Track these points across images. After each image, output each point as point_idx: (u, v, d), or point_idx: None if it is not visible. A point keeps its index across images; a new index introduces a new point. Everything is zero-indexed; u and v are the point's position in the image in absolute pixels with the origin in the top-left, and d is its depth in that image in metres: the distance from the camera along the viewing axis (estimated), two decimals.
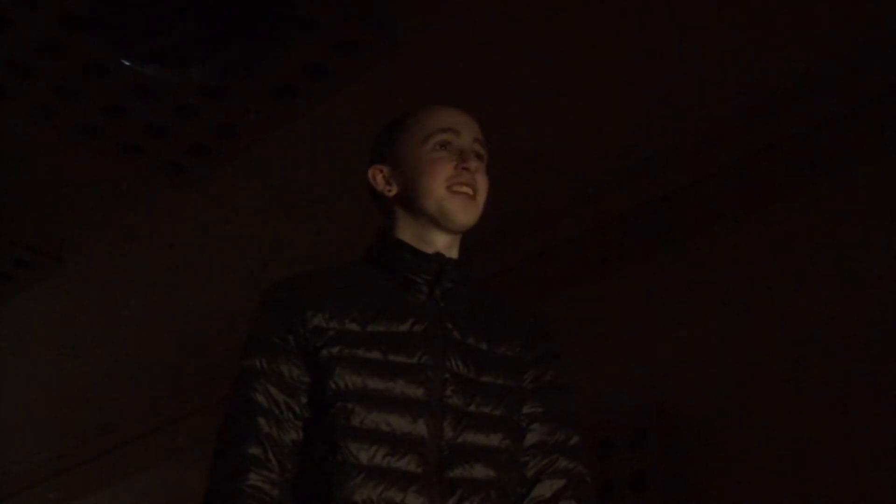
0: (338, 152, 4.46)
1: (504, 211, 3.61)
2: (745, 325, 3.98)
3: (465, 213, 2.08)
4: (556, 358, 2.17)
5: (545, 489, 2.06)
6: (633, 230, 4.33)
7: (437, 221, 2.08)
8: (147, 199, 5.02)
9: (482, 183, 2.11)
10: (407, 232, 2.12)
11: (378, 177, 2.18)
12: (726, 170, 4.03)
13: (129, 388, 6.16)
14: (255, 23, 3.97)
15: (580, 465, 2.10)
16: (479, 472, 1.96)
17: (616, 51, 3.83)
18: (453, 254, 2.13)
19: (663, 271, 4.25)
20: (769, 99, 3.91)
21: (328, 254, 4.87)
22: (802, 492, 3.65)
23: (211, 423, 5.91)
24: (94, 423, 6.36)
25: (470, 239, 2.19)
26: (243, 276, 5.34)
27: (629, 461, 3.93)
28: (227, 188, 4.87)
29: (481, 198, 2.11)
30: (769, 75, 3.88)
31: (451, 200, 2.07)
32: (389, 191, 2.15)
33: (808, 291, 3.84)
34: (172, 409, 6.06)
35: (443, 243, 2.10)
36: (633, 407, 3.96)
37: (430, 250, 2.09)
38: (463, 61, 3.86)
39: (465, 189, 2.08)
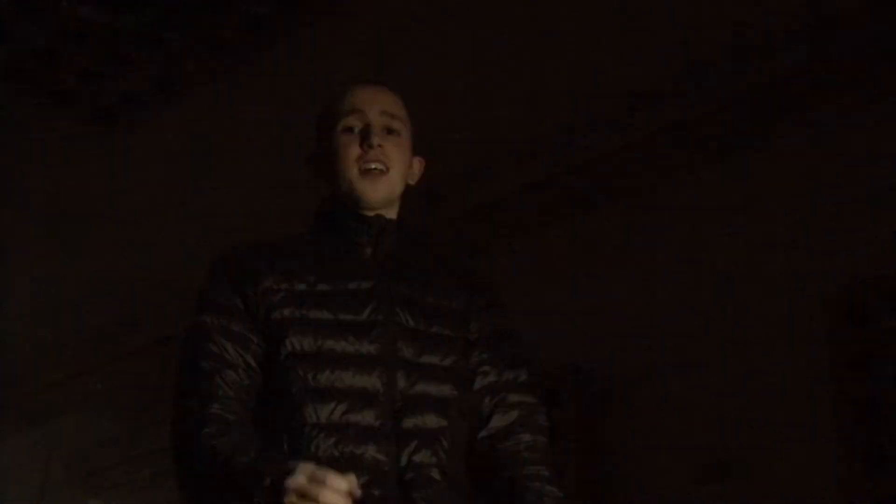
0: (272, 104, 4.50)
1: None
2: (654, 286, 4.10)
3: (376, 190, 2.14)
4: (499, 306, 2.24)
5: (498, 421, 2.13)
6: (548, 196, 4.43)
7: (355, 202, 2.14)
8: (79, 146, 5.01)
9: (395, 153, 2.16)
10: (342, 203, 2.19)
11: (311, 160, 2.25)
12: (647, 137, 4.14)
13: (48, 333, 6.14)
14: None
15: (530, 396, 2.17)
16: (431, 421, 2.02)
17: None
18: (392, 215, 2.19)
19: (577, 235, 4.35)
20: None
21: (259, 203, 4.96)
22: (709, 443, 3.79)
23: (129, 370, 5.91)
24: (8, 371, 6.33)
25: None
26: (173, 226, 5.37)
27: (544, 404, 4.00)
28: (159, 137, 4.89)
29: (397, 167, 2.16)
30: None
31: (361, 181, 2.12)
32: (318, 170, 2.21)
33: (717, 254, 3.97)
34: (91, 355, 6.05)
35: (374, 211, 2.16)
36: (547, 366, 4.05)
37: (368, 214, 2.16)
38: (401, 23, 3.89)
39: (373, 166, 2.13)
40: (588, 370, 4.04)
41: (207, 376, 2.00)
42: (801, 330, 3.70)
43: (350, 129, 2.16)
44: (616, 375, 4.09)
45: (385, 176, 2.14)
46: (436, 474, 2.01)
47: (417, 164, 2.26)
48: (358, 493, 1.84)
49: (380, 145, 2.14)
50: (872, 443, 3.49)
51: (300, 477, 1.81)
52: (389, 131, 2.17)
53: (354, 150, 2.14)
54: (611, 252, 4.24)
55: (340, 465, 1.92)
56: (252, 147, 4.75)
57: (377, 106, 2.18)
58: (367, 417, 1.98)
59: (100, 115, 4.86)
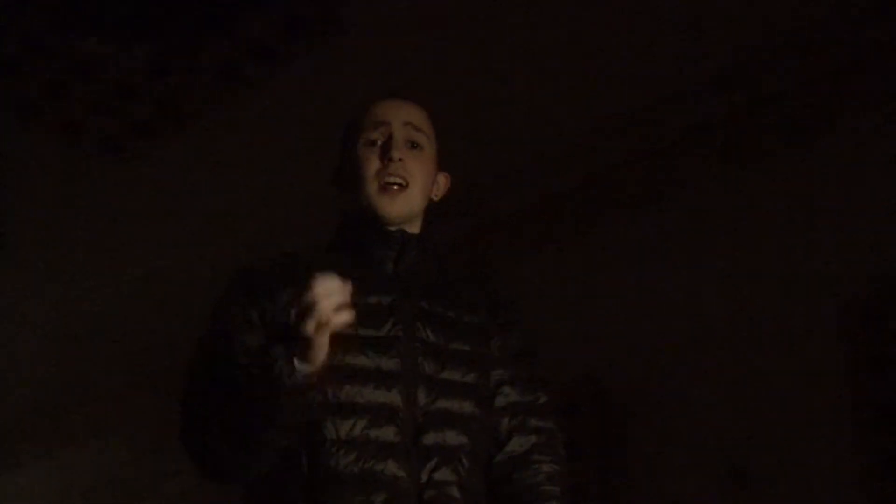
0: (282, 132, 4.51)
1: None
2: (669, 295, 4.12)
3: (395, 205, 2.12)
4: (521, 324, 2.23)
5: (516, 446, 2.12)
6: (568, 208, 4.45)
7: (376, 217, 2.13)
8: (88, 176, 5.01)
9: (416, 168, 2.14)
10: (364, 217, 2.17)
11: (335, 175, 2.24)
12: (670, 143, 4.15)
13: (65, 364, 6.15)
14: (201, 0, 4.02)
15: (550, 421, 2.16)
16: (452, 438, 2.01)
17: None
18: (415, 229, 2.18)
19: (595, 247, 4.38)
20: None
21: (271, 232, 4.97)
22: (729, 450, 3.80)
23: (140, 401, 5.91)
24: (27, 399, 6.34)
25: None
26: (185, 255, 5.38)
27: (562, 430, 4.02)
28: (169, 167, 4.90)
29: (418, 182, 2.14)
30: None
31: (380, 197, 2.11)
32: (343, 186, 2.21)
33: (733, 260, 3.99)
34: (108, 385, 6.06)
35: (396, 226, 2.15)
36: (566, 377, 4.06)
37: (391, 228, 2.14)
38: (409, 41, 3.90)
39: (393, 180, 2.12)
40: (606, 382, 4.05)
41: (215, 379, 1.95)
42: (819, 333, 3.72)
43: (372, 143, 2.15)
44: (634, 386, 4.11)
45: (404, 192, 2.12)
46: (455, 492, 1.99)
47: (443, 180, 2.24)
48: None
49: (401, 159, 2.12)
50: (890, 447, 3.50)
51: (306, 323, 1.80)
52: (413, 145, 2.16)
53: (375, 164, 2.13)
54: (626, 263, 4.26)
55: (360, 481, 1.93)
56: (262, 174, 4.76)
57: (401, 119, 2.17)
58: (387, 433, 1.97)
59: (108, 146, 4.86)
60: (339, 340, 1.96)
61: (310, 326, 1.81)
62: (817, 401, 3.68)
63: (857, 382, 3.62)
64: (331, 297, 1.81)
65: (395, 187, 2.12)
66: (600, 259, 4.35)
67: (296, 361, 1.83)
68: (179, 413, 2.01)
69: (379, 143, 2.15)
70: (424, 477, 1.97)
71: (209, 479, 2.02)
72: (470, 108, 4.11)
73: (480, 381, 2.10)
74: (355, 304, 1.99)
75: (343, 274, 2.02)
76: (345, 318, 1.83)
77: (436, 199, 2.23)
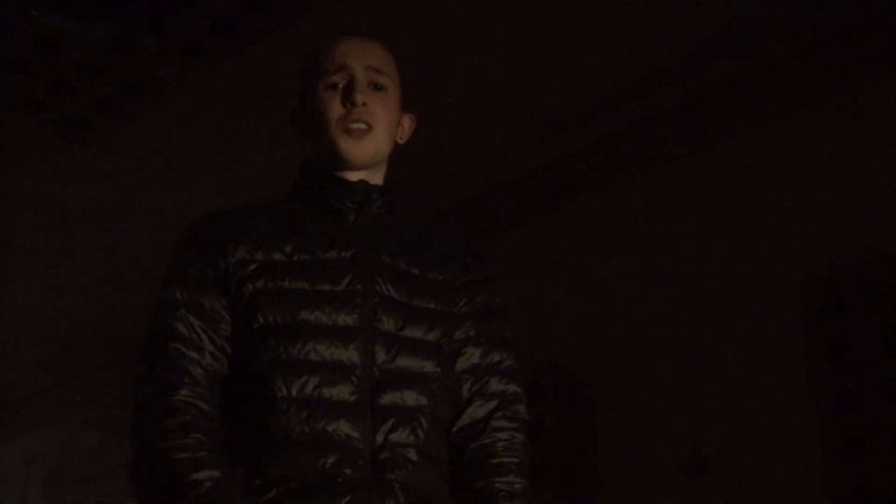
0: (246, 110, 4.48)
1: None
2: (632, 280, 4.11)
3: (359, 149, 2.05)
4: (490, 281, 2.14)
5: (477, 410, 2.04)
6: (526, 192, 4.44)
7: (339, 162, 2.06)
8: (50, 156, 4.97)
9: (380, 110, 2.07)
10: (325, 165, 2.09)
11: (293, 118, 2.18)
12: (628, 128, 4.15)
13: (27, 345, 6.11)
14: None
15: (513, 384, 2.08)
16: (411, 398, 1.93)
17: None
18: (377, 180, 2.10)
19: (558, 232, 4.37)
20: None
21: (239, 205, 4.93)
22: (691, 435, 3.80)
23: (109, 382, 5.89)
24: None
25: None
26: (146, 237, 5.33)
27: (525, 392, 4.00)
28: (132, 145, 4.86)
29: (382, 125, 2.07)
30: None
31: (343, 140, 2.04)
32: (303, 130, 2.14)
33: (695, 244, 3.99)
34: (71, 367, 6.03)
35: (359, 175, 2.07)
36: (529, 361, 4.05)
37: (351, 179, 2.07)
38: (377, 16, 3.86)
39: (356, 125, 2.04)
40: (570, 368, 4.04)
41: (174, 358, 1.89)
42: (780, 318, 3.72)
43: (333, 86, 2.07)
44: (598, 372, 4.10)
45: (369, 133, 2.05)
46: (413, 455, 1.91)
47: (408, 122, 2.18)
48: None
49: (364, 103, 2.05)
50: (852, 429, 3.51)
51: None
52: (376, 87, 2.08)
53: (337, 109, 2.05)
54: (588, 247, 4.25)
55: (311, 441, 1.85)
56: (228, 152, 4.73)
57: (362, 61, 2.09)
58: (341, 392, 1.88)
59: (72, 125, 4.82)
60: (295, 297, 1.92)
61: None
62: (779, 386, 3.68)
63: (818, 368, 3.62)
64: None
65: (360, 130, 2.05)
66: (564, 244, 4.34)
67: None
68: (133, 389, 1.94)
69: (340, 86, 2.07)
70: (380, 438, 1.89)
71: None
72: (436, 87, 4.08)
73: (443, 340, 2.02)
74: (314, 258, 1.96)
75: (302, 226, 2.01)
76: None
77: (401, 141, 2.17)
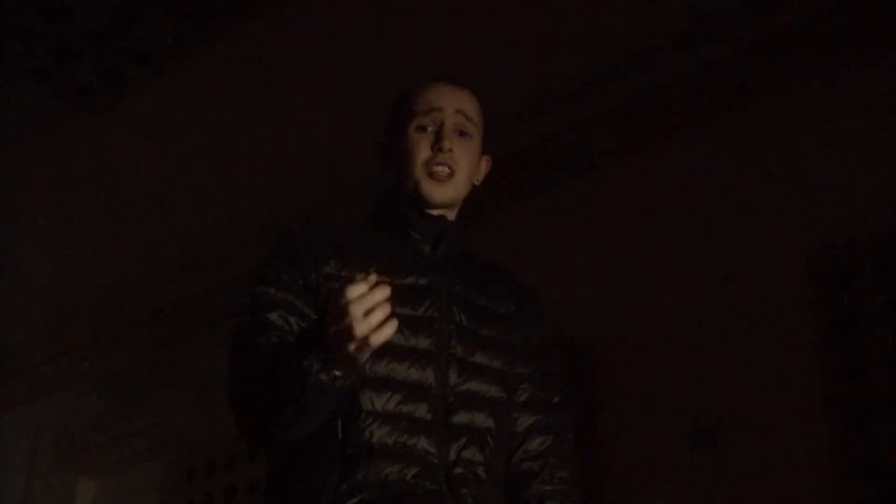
0: (252, 80, 4.48)
1: None
2: (637, 251, 4.10)
3: (440, 193, 2.17)
4: (542, 318, 2.29)
5: (533, 444, 2.18)
6: (532, 165, 4.42)
7: (419, 202, 2.18)
8: (56, 123, 4.97)
9: (464, 157, 2.19)
10: (406, 198, 2.21)
11: (381, 150, 2.28)
12: (628, 101, 4.14)
13: (35, 312, 6.13)
14: None
15: (565, 420, 2.23)
16: (480, 420, 2.07)
17: None
18: (452, 216, 2.23)
19: (560, 205, 4.36)
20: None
21: (246, 177, 4.95)
22: (696, 409, 3.79)
23: (117, 348, 5.90)
24: None
25: None
26: (151, 205, 5.35)
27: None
28: (137, 113, 4.86)
29: (464, 170, 2.19)
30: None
31: (426, 183, 2.16)
32: (388, 164, 2.25)
33: (700, 217, 3.97)
34: (80, 333, 6.04)
35: (437, 211, 2.20)
36: None
37: (433, 213, 2.20)
38: None
39: (440, 169, 2.16)
40: (571, 338, 4.03)
41: (262, 348, 1.97)
42: (785, 291, 3.71)
43: (423, 128, 2.19)
44: (599, 342, 4.09)
45: (452, 179, 2.17)
46: (482, 472, 2.05)
47: (485, 165, 2.29)
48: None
49: (451, 149, 2.17)
50: (858, 401, 3.51)
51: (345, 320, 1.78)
52: (462, 133, 2.20)
53: (425, 152, 2.17)
54: (592, 222, 4.24)
55: (394, 453, 1.98)
56: (236, 121, 4.73)
57: (453, 106, 2.21)
58: (420, 410, 2.02)
59: (78, 93, 4.83)
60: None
61: (350, 347, 1.80)
62: (786, 358, 3.68)
63: (824, 340, 3.61)
64: (367, 307, 1.79)
65: (443, 175, 2.16)
66: (566, 217, 4.33)
67: (334, 372, 1.83)
68: (227, 366, 2.04)
69: (430, 129, 2.19)
70: (453, 455, 2.02)
71: (247, 439, 2.06)
72: (423, 66, 4.07)
73: (506, 368, 2.15)
74: (394, 283, 2.01)
75: (383, 250, 2.14)
76: (386, 333, 1.81)
77: (477, 183, 2.29)
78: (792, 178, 3.80)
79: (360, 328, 1.77)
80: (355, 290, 1.79)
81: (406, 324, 2.02)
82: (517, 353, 2.19)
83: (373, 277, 1.81)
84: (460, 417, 2.04)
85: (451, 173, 2.17)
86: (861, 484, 3.44)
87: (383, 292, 1.80)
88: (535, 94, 4.29)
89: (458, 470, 2.01)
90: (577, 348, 4.07)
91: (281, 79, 4.42)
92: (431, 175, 2.16)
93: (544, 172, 4.35)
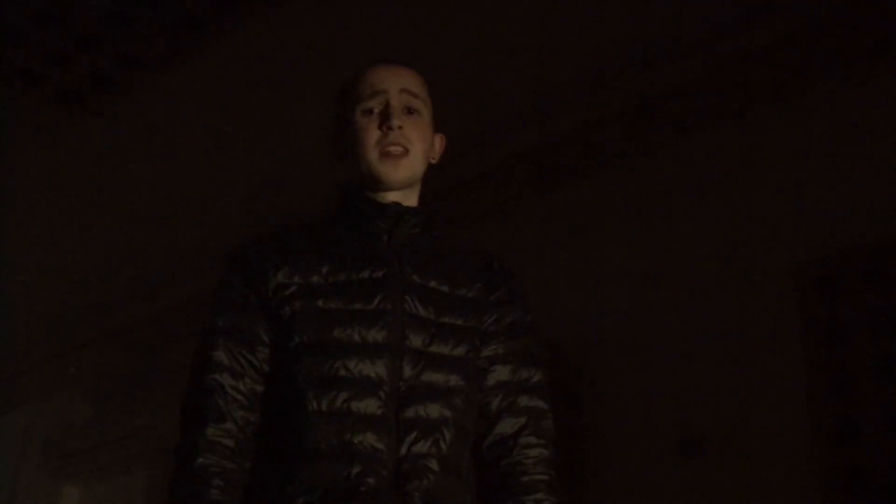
0: (244, 84, 4.47)
1: None
2: (625, 260, 4.11)
3: (397, 171, 2.13)
4: (519, 297, 2.21)
5: (506, 427, 2.11)
6: (525, 173, 4.43)
7: (376, 184, 2.14)
8: (46, 128, 4.96)
9: (415, 134, 2.15)
10: (362, 188, 2.18)
11: (332, 144, 2.24)
12: (623, 111, 4.15)
13: (21, 318, 6.12)
14: None
15: (541, 401, 2.14)
16: (434, 411, 2.01)
17: None
18: (411, 201, 2.19)
19: (553, 212, 4.36)
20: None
21: (237, 183, 4.94)
22: (682, 418, 3.80)
23: (105, 355, 5.88)
24: None
25: None
26: (143, 209, 5.34)
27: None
28: (129, 118, 4.85)
29: (417, 148, 2.15)
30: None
31: (381, 163, 2.12)
32: (340, 154, 2.21)
33: (689, 226, 3.98)
34: (66, 340, 6.03)
35: (394, 196, 2.16)
36: None
37: (386, 201, 2.15)
38: None
39: (392, 149, 2.12)
40: (561, 349, 4.04)
41: (209, 391, 2.01)
42: (773, 301, 3.72)
43: (369, 111, 2.15)
44: (590, 352, 4.10)
45: (406, 157, 2.13)
46: (434, 465, 1.99)
47: (438, 142, 2.24)
48: None
49: (400, 127, 2.13)
50: (845, 411, 3.51)
51: None
52: (409, 111, 2.16)
53: (374, 133, 2.13)
54: (583, 229, 4.25)
55: (338, 452, 1.94)
56: (228, 126, 4.72)
57: (396, 85, 2.17)
58: (369, 406, 1.98)
59: (69, 97, 4.82)
60: (329, 316, 2.01)
61: None
62: (773, 369, 3.68)
63: (811, 351, 3.62)
64: None
65: (396, 154, 2.13)
66: (556, 224, 4.34)
67: None
68: (179, 412, 2.07)
69: (376, 111, 2.15)
70: (404, 450, 1.98)
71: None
72: (423, 68, 4.07)
73: (470, 354, 2.09)
74: (349, 279, 2.05)
75: (338, 247, 2.10)
76: None
77: (433, 161, 2.24)
78: (779, 188, 3.81)
79: None
80: None
81: (358, 318, 2.01)
82: (486, 337, 2.12)
83: None
84: (412, 410, 1.99)
85: (405, 151, 2.13)
86: (847, 494, 3.44)
87: None
88: (537, 97, 4.29)
89: (407, 465, 1.97)
90: (567, 357, 4.08)
91: (273, 83, 4.42)
92: (385, 155, 2.12)
93: (538, 180, 4.36)
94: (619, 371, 4.01)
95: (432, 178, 4.32)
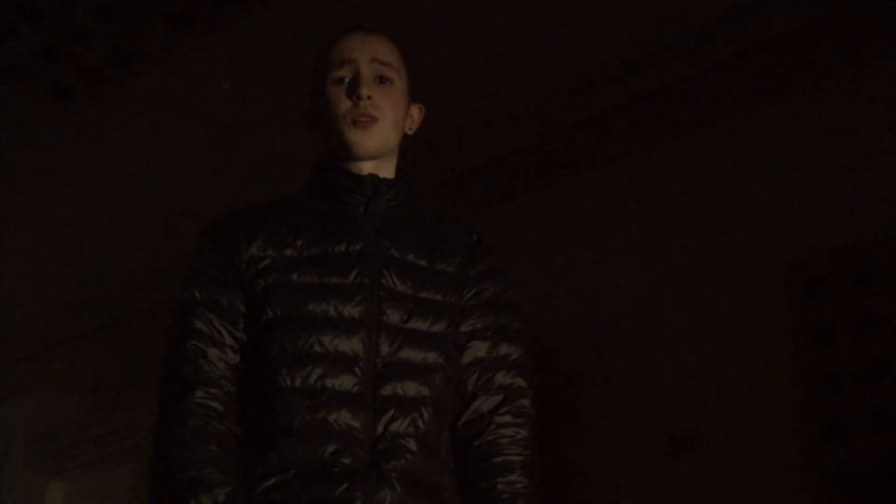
0: (234, 80, 4.47)
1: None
2: (615, 257, 4.11)
3: (367, 139, 2.09)
4: (499, 273, 2.17)
5: (482, 404, 2.05)
6: (518, 169, 4.43)
7: (348, 153, 2.10)
8: (37, 123, 4.95)
9: (386, 103, 2.11)
10: (337, 160, 2.14)
11: (305, 117, 2.21)
12: (619, 106, 4.15)
13: (8, 313, 6.09)
14: None
15: (519, 378, 2.08)
16: (412, 389, 1.95)
17: None
18: (387, 173, 2.14)
19: (544, 205, 4.36)
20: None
21: (226, 178, 4.93)
22: (670, 416, 3.81)
23: (90, 349, 5.87)
24: None
25: None
26: (133, 205, 5.33)
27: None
28: (119, 113, 4.84)
29: (387, 117, 2.11)
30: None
31: (351, 132, 2.08)
32: (313, 125, 2.18)
33: (678, 225, 3.98)
34: (53, 334, 6.01)
35: (369, 167, 2.11)
36: None
37: (361, 172, 2.11)
38: None
39: (362, 119, 2.08)
40: (551, 346, 4.04)
41: (192, 358, 1.97)
42: (762, 300, 3.72)
43: (340, 81, 2.11)
44: (577, 350, 4.10)
45: (376, 124, 2.09)
46: (412, 444, 1.94)
47: (417, 112, 2.21)
48: None
49: (370, 97, 2.09)
50: (833, 413, 3.52)
51: None
52: (381, 80, 2.12)
53: (345, 103, 2.09)
54: (572, 227, 4.25)
55: (312, 430, 1.89)
56: (218, 122, 4.71)
57: (367, 54, 2.13)
58: (344, 383, 1.92)
59: (57, 92, 4.80)
60: (304, 290, 1.97)
61: None
62: (761, 368, 3.69)
63: (800, 351, 3.62)
64: None
65: (366, 121, 2.09)
66: (547, 222, 4.34)
67: None
68: (158, 382, 2.02)
69: (346, 80, 2.11)
70: (380, 428, 1.92)
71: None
72: (420, 67, 4.07)
73: (448, 330, 2.04)
74: (324, 252, 2.01)
75: (314, 220, 2.06)
76: None
77: (410, 132, 2.20)
78: (770, 187, 3.82)
79: None
80: None
81: (334, 293, 1.97)
82: (465, 313, 2.07)
83: None
84: (389, 388, 1.94)
85: (374, 119, 2.09)
86: (836, 492, 3.45)
87: None
88: (534, 92, 4.29)
89: (384, 444, 1.91)
90: (553, 355, 4.08)
91: (264, 79, 4.41)
92: (355, 123, 2.08)
93: (531, 175, 4.36)
94: (609, 370, 4.01)
95: (426, 171, 4.35)
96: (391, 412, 1.93)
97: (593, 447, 4.00)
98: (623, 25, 4.04)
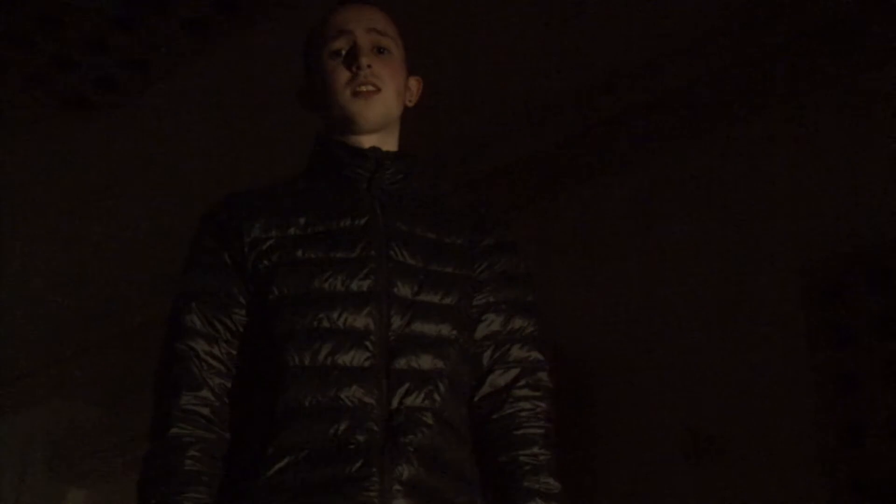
0: (249, 88, 4.47)
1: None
2: (635, 266, 4.11)
3: (369, 110, 2.04)
4: (512, 246, 2.12)
5: (498, 379, 2.00)
6: (529, 176, 4.43)
7: (350, 126, 2.06)
8: (50, 131, 4.96)
9: (386, 72, 2.07)
10: (337, 135, 2.09)
11: (302, 96, 2.16)
12: (626, 113, 4.15)
13: (24, 322, 6.12)
14: None
15: (535, 351, 2.03)
16: (427, 362, 1.90)
17: None
18: (390, 146, 2.10)
19: (556, 214, 4.37)
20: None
21: (242, 184, 4.92)
22: (689, 420, 3.80)
23: (109, 358, 5.89)
24: None
25: None
26: (148, 213, 5.34)
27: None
28: (134, 121, 4.85)
29: (389, 86, 2.07)
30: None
31: (353, 103, 2.04)
32: (311, 103, 2.13)
33: (695, 229, 3.99)
34: (69, 343, 6.04)
35: (372, 140, 2.07)
36: None
37: (364, 146, 2.06)
38: None
39: (364, 88, 2.04)
40: (568, 349, 4.03)
41: (181, 359, 1.92)
42: (780, 304, 3.72)
43: (337, 53, 2.06)
44: (596, 355, 4.10)
45: (378, 94, 2.05)
46: (429, 418, 1.87)
47: (415, 84, 2.18)
48: None
49: (369, 66, 2.04)
50: (852, 415, 3.51)
51: None
52: (379, 50, 2.08)
53: (343, 74, 2.04)
54: (588, 233, 4.25)
55: (323, 409, 1.84)
56: (232, 130, 4.72)
57: (363, 25, 2.08)
58: (355, 358, 1.87)
59: (74, 100, 4.81)
60: (309, 266, 1.93)
61: None
62: (779, 371, 3.68)
63: (818, 353, 3.62)
64: None
65: (368, 91, 2.04)
66: (562, 226, 4.34)
67: None
68: (153, 380, 1.98)
69: (344, 52, 2.06)
70: (395, 403, 1.86)
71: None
72: (423, 70, 4.08)
73: (461, 303, 1.98)
74: (328, 228, 1.97)
75: (317, 197, 2.01)
76: None
77: (410, 104, 2.16)
78: (785, 191, 3.81)
79: None
80: None
81: (341, 267, 1.92)
82: (477, 286, 2.02)
83: None
84: (403, 361, 1.88)
85: (377, 89, 2.04)
86: (854, 496, 3.44)
87: None
88: (539, 101, 4.29)
89: (400, 418, 1.85)
90: (572, 361, 4.07)
91: (278, 87, 4.41)
92: (356, 94, 2.03)
93: (542, 184, 4.36)
94: (625, 375, 4.01)
95: (444, 171, 4.32)
96: (406, 385, 1.88)
97: (611, 453, 4.00)
98: (629, 31, 4.03)
